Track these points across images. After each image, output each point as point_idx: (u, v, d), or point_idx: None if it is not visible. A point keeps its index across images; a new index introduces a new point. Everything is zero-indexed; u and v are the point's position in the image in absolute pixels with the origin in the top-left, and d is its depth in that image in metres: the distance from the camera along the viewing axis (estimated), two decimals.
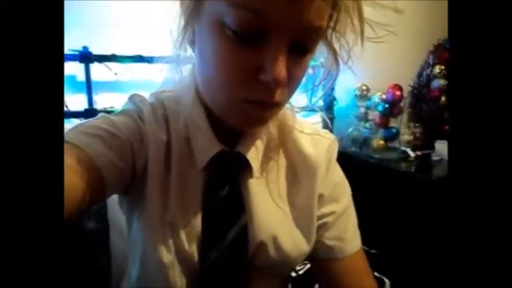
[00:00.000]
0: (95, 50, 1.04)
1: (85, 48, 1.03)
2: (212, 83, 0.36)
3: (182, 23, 0.37)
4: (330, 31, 0.37)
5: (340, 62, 0.39)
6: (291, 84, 0.35)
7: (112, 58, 1.06)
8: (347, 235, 0.48)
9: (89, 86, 1.05)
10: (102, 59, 1.05)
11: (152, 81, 1.10)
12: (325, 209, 0.48)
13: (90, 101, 1.07)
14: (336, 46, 0.39)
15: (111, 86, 1.11)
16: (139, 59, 1.07)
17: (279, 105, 0.37)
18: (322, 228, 0.47)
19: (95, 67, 1.06)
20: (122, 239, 0.73)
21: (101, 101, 1.10)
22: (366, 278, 0.48)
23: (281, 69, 0.32)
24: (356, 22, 0.34)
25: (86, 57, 1.03)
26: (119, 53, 1.06)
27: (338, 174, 0.50)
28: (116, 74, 1.08)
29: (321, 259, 0.48)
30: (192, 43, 0.38)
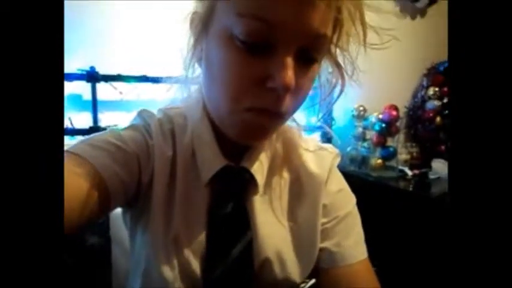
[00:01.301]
0: (102, 70, 1.08)
1: (92, 68, 1.06)
2: (218, 95, 0.36)
3: (191, 41, 0.39)
4: (333, 47, 0.38)
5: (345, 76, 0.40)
6: (298, 94, 0.36)
7: (118, 78, 1.09)
8: (348, 241, 0.46)
9: (94, 105, 1.08)
10: (108, 78, 1.08)
11: (156, 100, 1.13)
12: (326, 218, 0.47)
13: (95, 119, 1.09)
14: (340, 60, 0.39)
15: (116, 105, 1.14)
16: (144, 78, 1.10)
17: (282, 116, 0.37)
18: (322, 234, 0.46)
19: (101, 86, 1.09)
20: (124, 255, 0.73)
21: (106, 119, 1.12)
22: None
23: (289, 74, 0.32)
24: (359, 28, 0.35)
25: (92, 77, 1.06)
26: (124, 73, 1.10)
27: (339, 183, 0.50)
28: (121, 93, 1.11)
29: (324, 269, 0.46)
30: (200, 60, 0.39)
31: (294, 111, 0.38)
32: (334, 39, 0.37)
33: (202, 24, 0.36)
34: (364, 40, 0.37)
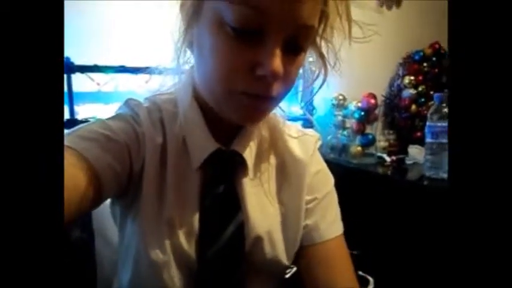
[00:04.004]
0: (77, 61, 1.04)
1: (67, 58, 1.02)
2: (211, 79, 0.37)
3: (183, 26, 0.39)
4: (318, 38, 0.40)
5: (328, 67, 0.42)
6: (286, 80, 0.38)
7: (94, 69, 1.05)
8: (326, 220, 0.49)
9: (70, 97, 1.04)
10: (85, 69, 1.04)
11: (135, 91, 1.10)
12: (308, 197, 0.49)
13: (72, 111, 1.05)
14: (324, 51, 0.42)
15: (93, 97, 1.10)
16: (122, 69, 1.07)
17: (274, 99, 0.39)
18: (304, 214, 0.48)
19: (76, 78, 1.05)
20: (108, 247, 0.72)
21: (83, 111, 1.09)
22: (345, 264, 0.48)
23: (277, 62, 0.34)
24: (344, 22, 0.37)
25: (67, 68, 1.02)
26: (101, 63, 1.06)
27: (317, 164, 0.52)
28: (98, 84, 1.08)
29: (302, 246, 0.49)
30: (191, 45, 0.40)
31: (284, 95, 0.40)
32: (320, 31, 0.38)
33: (194, 9, 0.37)
34: (350, 33, 0.39)
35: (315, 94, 0.49)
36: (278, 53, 0.34)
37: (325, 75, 0.43)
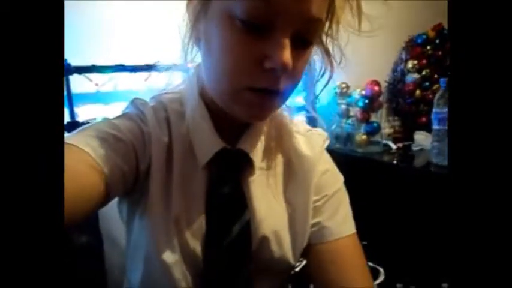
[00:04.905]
0: (73, 61, 1.03)
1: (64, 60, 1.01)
2: (218, 73, 0.37)
3: (190, 22, 0.39)
4: (323, 35, 0.40)
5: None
6: (294, 75, 0.37)
7: (92, 69, 1.04)
8: (336, 217, 0.48)
9: (69, 99, 1.03)
10: (82, 70, 1.03)
11: (134, 90, 1.09)
12: (316, 196, 0.48)
13: (72, 113, 1.05)
14: (329, 47, 0.42)
15: (92, 98, 1.09)
16: (120, 68, 1.06)
17: (281, 95, 0.38)
18: (312, 212, 0.48)
19: (74, 79, 1.04)
20: (116, 249, 0.72)
21: (83, 113, 1.08)
22: (358, 263, 0.46)
23: (287, 54, 0.34)
24: (353, 13, 0.38)
25: (65, 69, 1.01)
26: (98, 63, 1.05)
27: (326, 163, 0.51)
28: (97, 84, 1.07)
29: (311, 245, 0.48)
30: (198, 41, 0.40)
31: (291, 91, 0.40)
32: (325, 28, 0.38)
33: (201, 4, 0.37)
34: (360, 26, 0.39)
35: (320, 93, 0.48)
36: (287, 45, 0.34)
37: (331, 71, 0.43)
